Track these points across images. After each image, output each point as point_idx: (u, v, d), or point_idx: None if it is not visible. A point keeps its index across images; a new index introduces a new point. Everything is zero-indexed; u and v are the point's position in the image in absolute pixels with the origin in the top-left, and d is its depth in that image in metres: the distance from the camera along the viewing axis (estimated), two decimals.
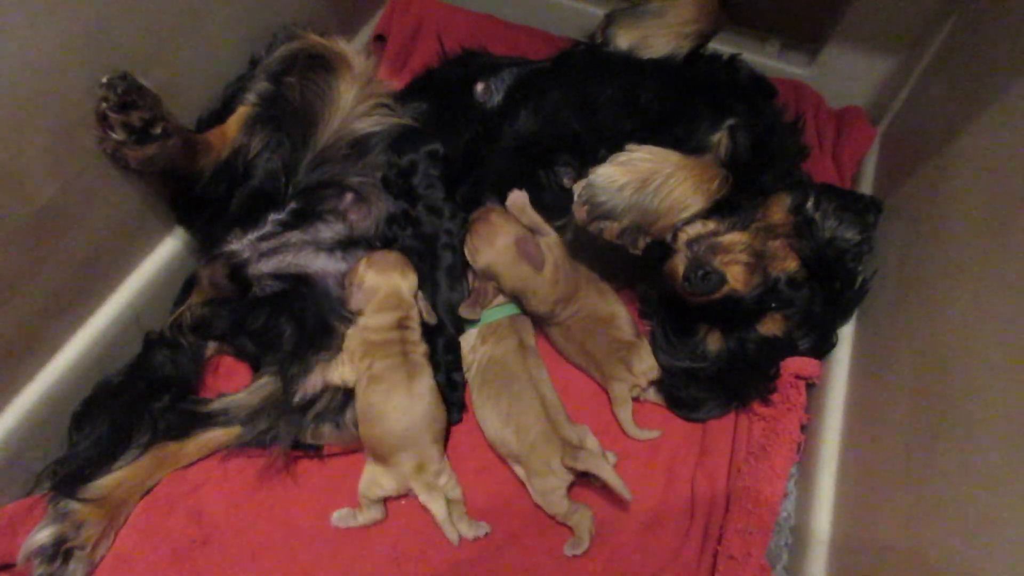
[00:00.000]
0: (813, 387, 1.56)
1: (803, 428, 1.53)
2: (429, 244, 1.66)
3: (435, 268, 1.65)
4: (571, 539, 1.43)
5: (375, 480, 1.44)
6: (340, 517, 1.44)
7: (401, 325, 1.51)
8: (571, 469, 1.43)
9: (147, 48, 1.38)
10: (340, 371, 1.50)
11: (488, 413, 1.55)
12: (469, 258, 1.64)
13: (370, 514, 1.44)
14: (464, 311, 1.62)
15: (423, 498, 1.43)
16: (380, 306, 1.51)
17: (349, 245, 1.62)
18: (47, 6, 1.16)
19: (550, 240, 1.64)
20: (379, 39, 2.26)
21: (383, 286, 1.52)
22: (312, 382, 1.50)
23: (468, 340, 1.65)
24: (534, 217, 1.63)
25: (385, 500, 1.46)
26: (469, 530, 1.44)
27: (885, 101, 2.02)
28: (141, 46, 1.37)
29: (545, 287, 1.61)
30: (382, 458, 1.45)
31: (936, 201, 1.44)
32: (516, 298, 1.66)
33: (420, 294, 1.57)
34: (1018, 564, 0.84)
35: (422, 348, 1.54)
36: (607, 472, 1.41)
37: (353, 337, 1.52)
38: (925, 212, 1.48)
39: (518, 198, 1.63)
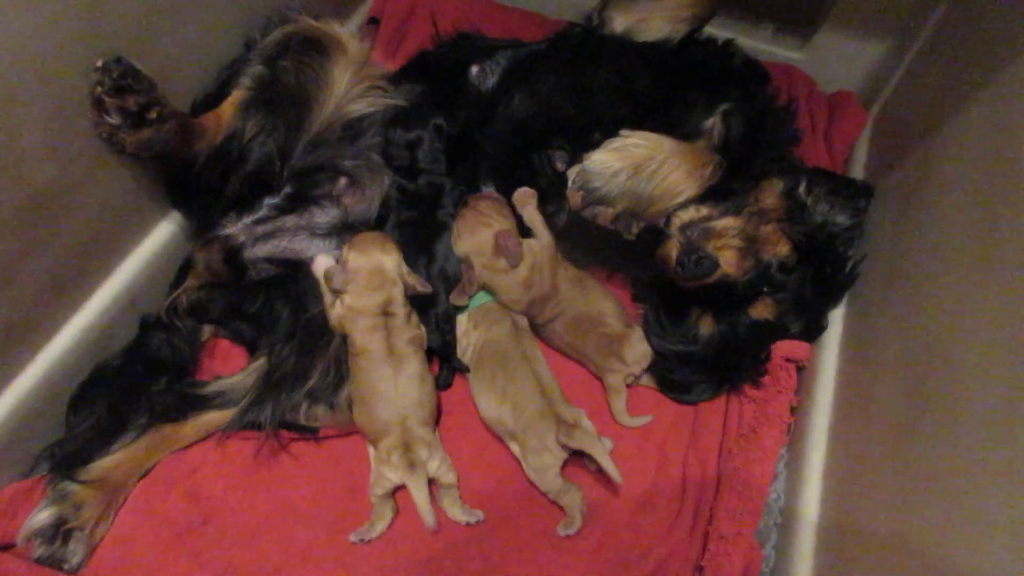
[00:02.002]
0: (803, 370, 1.58)
1: (793, 410, 1.55)
2: (428, 216, 1.67)
3: (432, 240, 1.65)
4: (564, 519, 1.45)
5: (381, 474, 1.44)
6: (359, 533, 1.41)
7: (385, 311, 1.49)
8: (565, 447, 1.45)
9: (142, 31, 1.38)
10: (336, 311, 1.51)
11: (484, 393, 1.56)
12: (452, 241, 1.64)
13: (384, 517, 1.43)
14: (454, 298, 1.62)
15: (405, 478, 1.41)
16: (365, 286, 1.49)
17: (344, 230, 1.62)
18: None
19: (539, 243, 1.63)
20: (373, 22, 2.25)
21: (365, 265, 1.49)
22: None
23: (460, 326, 1.65)
24: (534, 216, 1.63)
25: (395, 493, 1.46)
26: (463, 515, 1.45)
27: (877, 85, 2.03)
28: (136, 29, 1.36)
29: (516, 288, 1.61)
30: (374, 440, 1.47)
31: (927, 185, 1.45)
32: (487, 291, 1.65)
33: (407, 269, 1.54)
34: (1002, 547, 0.85)
35: (408, 334, 1.51)
36: (599, 452, 1.42)
37: (334, 315, 1.51)
38: (916, 196, 1.48)
39: (525, 193, 1.63)
